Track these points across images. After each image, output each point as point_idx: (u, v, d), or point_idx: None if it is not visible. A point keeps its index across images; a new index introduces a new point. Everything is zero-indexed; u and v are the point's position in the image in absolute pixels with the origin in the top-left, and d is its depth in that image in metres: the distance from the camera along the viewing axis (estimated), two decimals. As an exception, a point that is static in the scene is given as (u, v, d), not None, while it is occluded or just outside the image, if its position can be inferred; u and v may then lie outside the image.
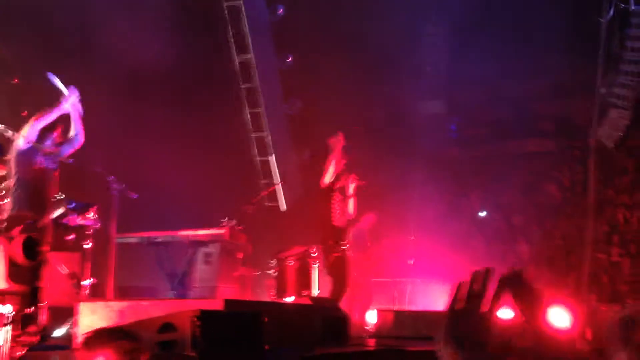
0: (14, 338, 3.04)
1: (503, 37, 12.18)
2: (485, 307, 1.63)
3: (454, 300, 1.65)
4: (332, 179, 8.20)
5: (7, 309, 3.16)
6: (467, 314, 1.62)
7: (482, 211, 13.38)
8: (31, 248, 5.00)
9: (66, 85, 6.51)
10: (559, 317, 7.64)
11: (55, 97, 6.43)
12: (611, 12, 10.70)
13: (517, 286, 1.68)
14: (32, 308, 4.84)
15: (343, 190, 8.39)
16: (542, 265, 11.67)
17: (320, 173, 8.25)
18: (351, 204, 8.53)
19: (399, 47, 12.59)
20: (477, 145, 13.91)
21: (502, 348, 1.62)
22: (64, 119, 6.55)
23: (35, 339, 4.13)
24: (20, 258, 4.91)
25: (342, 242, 8.20)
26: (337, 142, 8.28)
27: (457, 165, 13.58)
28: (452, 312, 1.64)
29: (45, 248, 5.42)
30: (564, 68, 12.74)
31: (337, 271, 8.17)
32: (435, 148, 13.56)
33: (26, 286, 3.52)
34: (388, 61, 12.59)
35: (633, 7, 10.64)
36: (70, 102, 6.44)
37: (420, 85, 13.36)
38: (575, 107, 13.26)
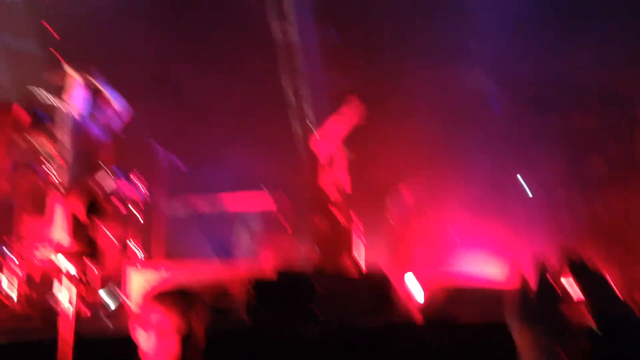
0: (79, 296, 3.02)
1: (546, 9, 11.91)
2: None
3: (525, 281, 1.60)
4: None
5: (71, 267, 3.15)
6: (545, 295, 1.58)
7: (526, 187, 13.21)
8: (93, 208, 5.02)
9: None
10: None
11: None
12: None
13: (584, 273, 1.61)
14: (94, 268, 4.88)
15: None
16: (587, 241, 11.51)
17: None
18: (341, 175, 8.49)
19: (438, 20, 12.40)
20: (518, 120, 13.69)
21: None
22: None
23: (98, 299, 4.16)
24: (83, 216, 4.94)
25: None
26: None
27: (498, 140, 13.39)
28: (526, 291, 1.59)
29: (107, 207, 5.44)
30: (610, 39, 12.41)
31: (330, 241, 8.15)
32: (477, 121, 13.38)
33: (88, 246, 3.54)
34: (429, 35, 12.38)
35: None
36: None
37: (463, 59, 13.14)
38: (621, 79, 12.95)
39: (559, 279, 1.60)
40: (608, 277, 1.61)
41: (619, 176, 12.08)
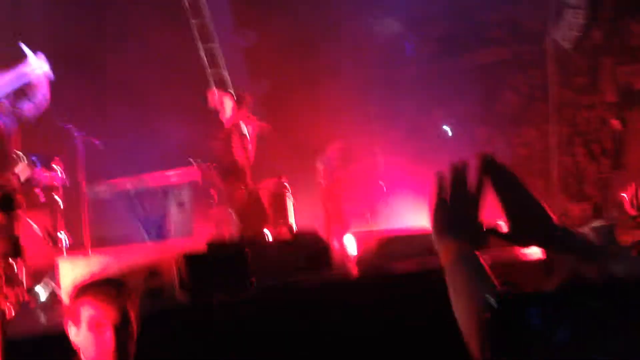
0: (3, 297, 2.96)
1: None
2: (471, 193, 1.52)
3: (439, 191, 1.53)
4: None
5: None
6: (458, 201, 1.51)
7: (444, 126, 13.42)
8: (5, 202, 4.87)
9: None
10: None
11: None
12: None
13: (495, 171, 1.55)
14: (15, 265, 4.76)
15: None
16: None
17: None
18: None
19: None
20: (431, 61, 13.85)
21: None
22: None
23: (22, 296, 4.07)
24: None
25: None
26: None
27: (414, 83, 13.53)
28: (441, 201, 1.52)
29: (20, 200, 5.28)
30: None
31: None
32: (392, 67, 13.49)
33: (5, 243, 3.44)
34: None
35: None
36: (37, 69, 6.09)
37: (372, 6, 13.17)
38: (526, 12, 13.22)
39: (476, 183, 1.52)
40: (523, 181, 1.55)
41: (534, 109, 12.44)
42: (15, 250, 2.85)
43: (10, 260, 3.72)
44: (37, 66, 5.99)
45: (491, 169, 1.55)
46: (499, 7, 13.28)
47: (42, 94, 6.13)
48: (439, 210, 1.52)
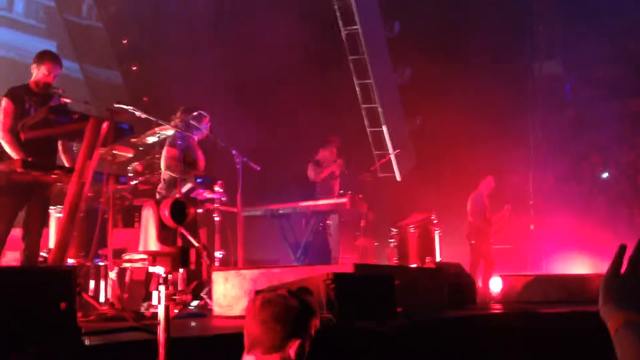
0: (169, 297, 3.17)
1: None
2: None
3: (616, 260, 1.59)
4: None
5: (160, 270, 3.30)
6: (634, 273, 1.56)
7: (604, 173, 12.86)
8: (179, 211, 5.22)
9: None
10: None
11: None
12: None
13: None
14: (183, 270, 5.08)
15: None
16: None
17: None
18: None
19: (509, 5, 12.27)
20: (595, 105, 13.36)
21: None
22: None
23: (188, 298, 4.33)
24: (169, 220, 5.15)
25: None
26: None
27: (574, 127, 13.10)
28: (616, 271, 1.58)
29: (192, 211, 5.65)
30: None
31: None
32: (552, 110, 13.15)
33: (176, 248, 3.71)
34: (499, 22, 12.25)
35: None
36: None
37: (535, 44, 12.95)
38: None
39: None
40: None
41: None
42: (184, 260, 3.07)
43: (176, 265, 3.99)
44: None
45: None
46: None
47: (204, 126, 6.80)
48: (613, 279, 1.57)
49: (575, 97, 13.63)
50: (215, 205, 7.03)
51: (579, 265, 10.06)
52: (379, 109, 12.24)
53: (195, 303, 6.25)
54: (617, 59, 12.95)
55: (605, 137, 12.79)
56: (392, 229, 8.91)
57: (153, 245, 5.01)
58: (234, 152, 7.10)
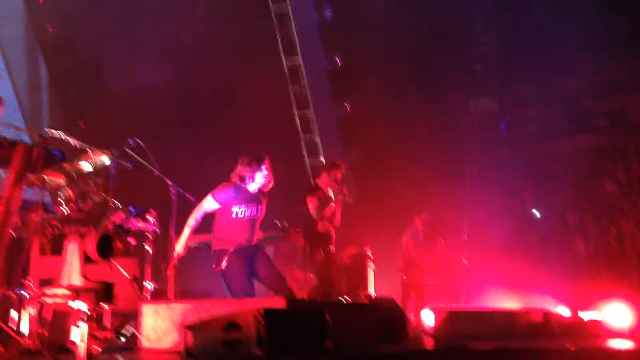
0: (90, 334, 3.08)
1: (554, 34, 12.00)
2: None
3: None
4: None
5: (83, 306, 3.22)
6: None
7: (535, 210, 13.18)
8: (105, 246, 5.10)
9: None
10: (619, 314, 7.39)
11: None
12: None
13: None
14: (106, 305, 4.94)
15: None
16: (599, 264, 11.43)
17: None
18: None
19: (448, 45, 12.54)
20: (528, 143, 13.74)
21: None
22: None
23: (111, 335, 4.22)
24: (94, 255, 5.02)
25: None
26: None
27: (507, 164, 13.42)
28: None
29: (119, 245, 5.53)
30: (618, 64, 12.52)
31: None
32: (486, 147, 13.46)
33: (100, 284, 3.61)
34: (437, 61, 12.51)
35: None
36: None
37: (470, 83, 13.27)
38: (630, 102, 13.02)
39: None
40: None
41: (630, 200, 12.03)
42: (108, 295, 2.99)
43: (102, 303, 3.91)
44: None
45: None
46: (603, 96, 13.16)
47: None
48: None
49: (509, 135, 14.00)
50: (147, 233, 6.89)
51: (510, 300, 10.24)
52: (317, 139, 12.32)
53: (123, 339, 6.09)
54: (548, 99, 13.40)
55: (537, 175, 13.14)
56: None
57: (76, 280, 4.87)
58: (169, 182, 7.00)
